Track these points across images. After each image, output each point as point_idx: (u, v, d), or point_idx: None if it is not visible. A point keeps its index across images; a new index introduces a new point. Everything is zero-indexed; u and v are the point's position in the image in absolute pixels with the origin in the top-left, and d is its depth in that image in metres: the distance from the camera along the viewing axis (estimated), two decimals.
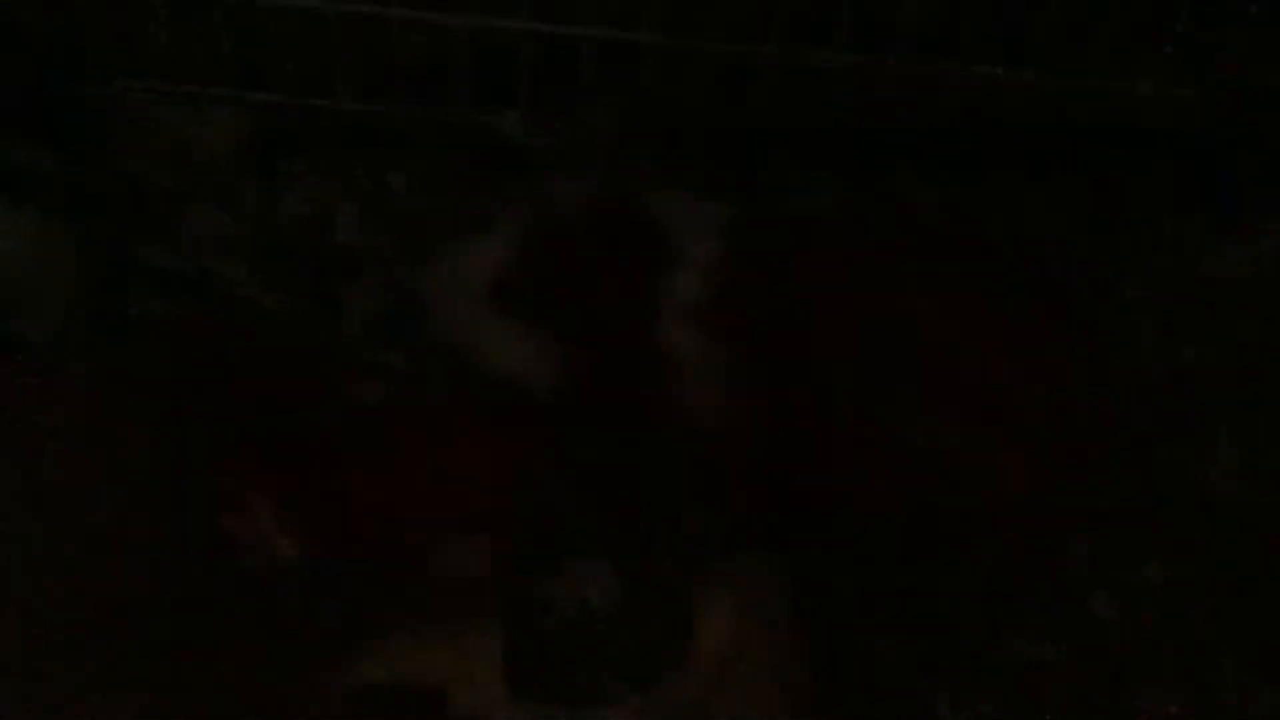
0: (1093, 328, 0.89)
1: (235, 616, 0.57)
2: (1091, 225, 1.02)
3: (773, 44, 1.00)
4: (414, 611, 0.80)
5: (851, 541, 0.85)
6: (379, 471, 0.60)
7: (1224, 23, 0.99)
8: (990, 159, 1.04)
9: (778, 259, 0.79)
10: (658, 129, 1.04)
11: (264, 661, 0.59)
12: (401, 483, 0.63)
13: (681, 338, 0.78)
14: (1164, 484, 0.91)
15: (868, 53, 1.01)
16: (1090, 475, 0.89)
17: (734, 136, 1.04)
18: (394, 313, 0.86)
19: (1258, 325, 0.97)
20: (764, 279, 0.78)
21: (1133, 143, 1.03)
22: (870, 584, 0.86)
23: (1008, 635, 0.86)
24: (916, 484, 0.81)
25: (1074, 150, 1.02)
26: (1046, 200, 1.02)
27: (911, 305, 0.77)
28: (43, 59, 1.04)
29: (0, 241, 0.91)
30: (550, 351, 0.80)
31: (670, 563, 0.85)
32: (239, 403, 0.55)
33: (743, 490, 0.85)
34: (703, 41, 1.00)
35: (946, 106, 1.03)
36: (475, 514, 0.68)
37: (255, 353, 0.59)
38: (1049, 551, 0.88)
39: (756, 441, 0.79)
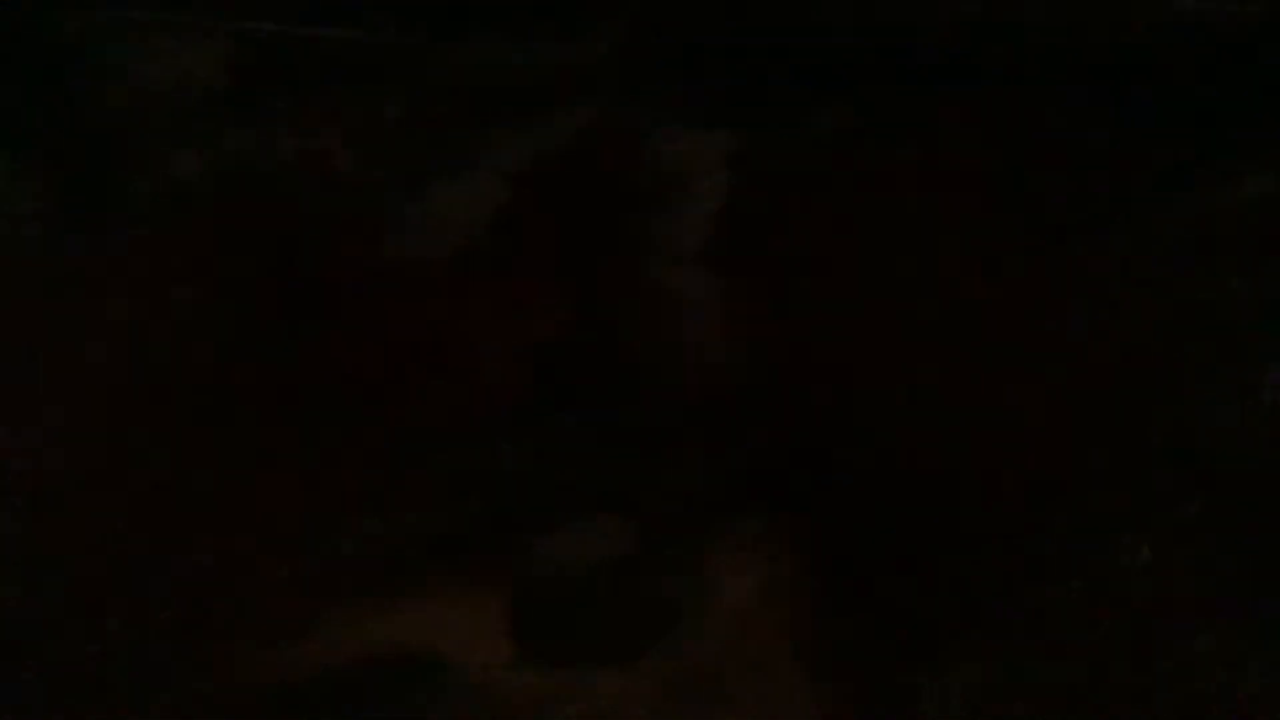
0: (1116, 259, 0.84)
1: None
2: (1128, 160, 0.97)
3: None
4: (416, 572, 0.77)
5: (870, 495, 0.82)
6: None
7: None
8: (1006, 79, 0.99)
9: (785, 192, 0.74)
10: (657, 54, 0.99)
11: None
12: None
13: (687, 280, 0.74)
14: (1191, 425, 0.87)
15: None
16: (1115, 418, 0.86)
17: (734, 59, 0.99)
18: None
19: None
20: (772, 215, 0.73)
21: (1162, 62, 0.97)
22: (888, 538, 0.83)
23: (1030, 585, 0.83)
24: (936, 432, 0.77)
25: (1096, 71, 0.97)
26: (1067, 122, 0.97)
27: (926, 241, 0.72)
28: None
29: None
30: (545, 296, 0.76)
31: (683, 518, 0.82)
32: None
33: (755, 442, 0.82)
34: None
35: (958, 24, 0.97)
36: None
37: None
38: (1072, 498, 0.85)
39: (769, 391, 0.75)
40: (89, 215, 0.95)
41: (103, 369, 0.64)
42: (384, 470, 0.78)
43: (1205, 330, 0.89)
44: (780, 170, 0.77)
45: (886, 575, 0.82)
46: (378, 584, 0.75)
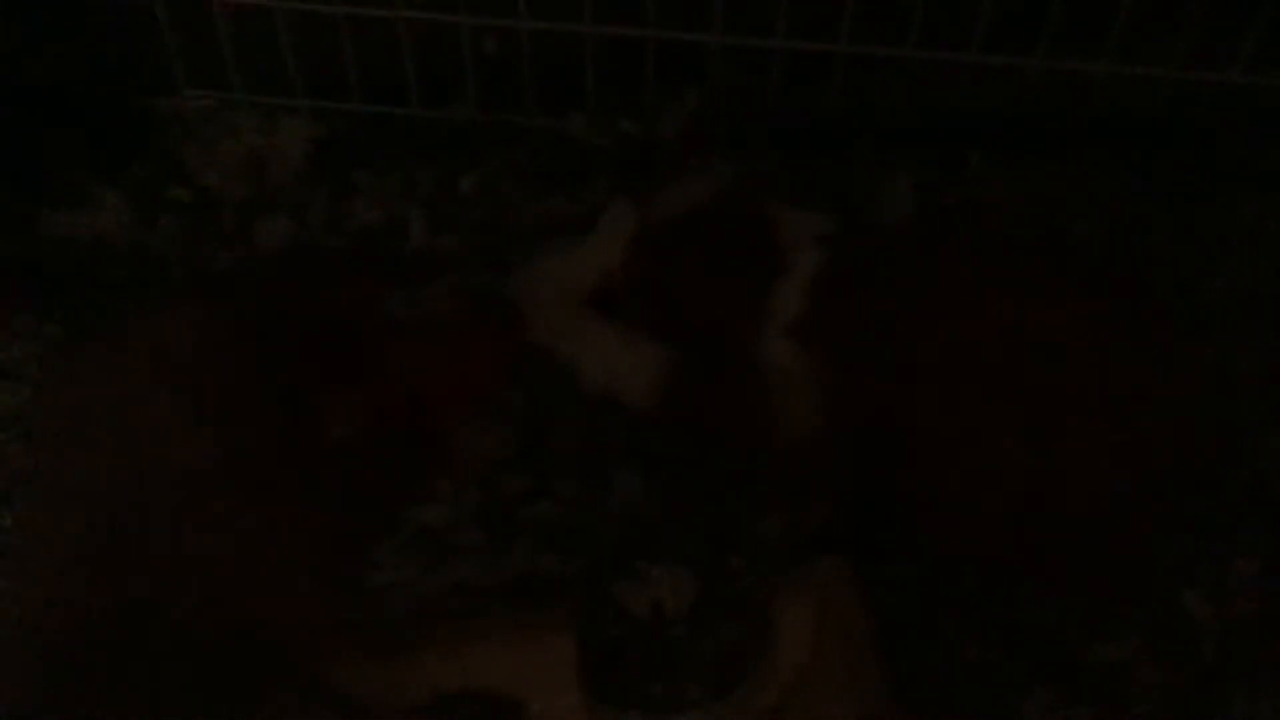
0: (1180, 320, 0.86)
1: None
2: (1176, 216, 0.99)
3: (843, 40, 0.99)
4: (486, 615, 0.79)
5: (933, 546, 0.84)
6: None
7: None
8: (1068, 150, 1.02)
9: (870, 270, 0.77)
10: (728, 130, 1.03)
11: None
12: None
13: (780, 348, 0.77)
14: (1258, 481, 0.88)
15: (940, 48, 0.99)
16: (1182, 473, 0.87)
17: (805, 135, 1.03)
18: None
19: None
20: (857, 290, 0.76)
21: (1216, 131, 1.00)
22: (952, 589, 0.84)
23: (1096, 638, 0.84)
24: (1003, 485, 0.79)
25: (1157, 139, 1.00)
26: (1129, 191, 1.00)
27: (999, 311, 0.75)
28: (109, 73, 1.05)
29: None
30: (649, 360, 0.78)
31: (748, 568, 0.84)
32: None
33: (824, 497, 0.84)
34: (769, 40, 0.99)
35: (1023, 98, 1.01)
36: None
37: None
38: (1139, 552, 0.86)
39: (841, 449, 0.77)
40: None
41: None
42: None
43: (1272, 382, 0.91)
44: (865, 249, 0.80)
45: (949, 628, 0.83)
46: (451, 627, 0.77)
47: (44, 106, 1.01)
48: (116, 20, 1.04)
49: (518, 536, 0.85)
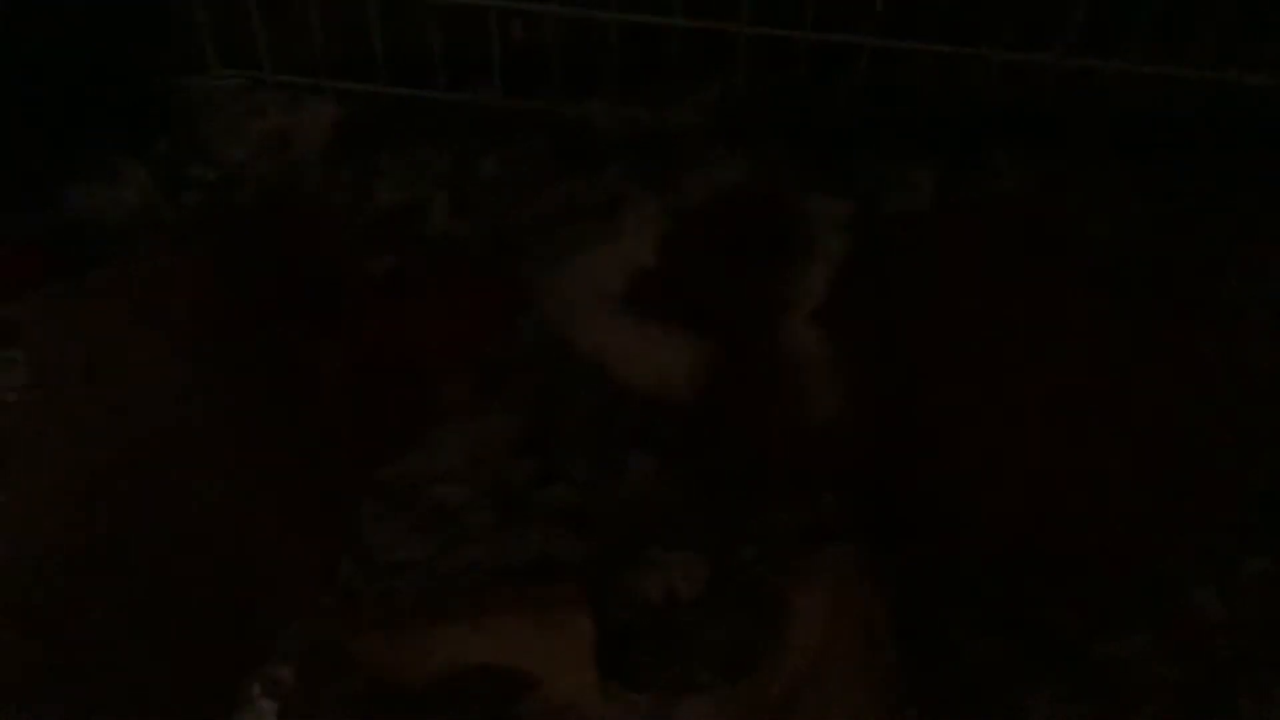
0: (1196, 318, 0.86)
1: None
2: (1195, 215, 0.99)
3: (866, 33, 0.99)
4: (502, 596, 0.80)
5: (947, 537, 0.84)
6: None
7: None
8: (1087, 148, 1.02)
9: (892, 257, 0.78)
10: (750, 120, 1.03)
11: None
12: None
13: (804, 336, 0.77)
14: (1271, 479, 0.88)
15: (962, 43, 0.99)
16: (1195, 474, 0.87)
17: (827, 127, 1.03)
18: None
19: None
20: (880, 278, 0.77)
21: (1240, 133, 1.00)
22: (965, 581, 0.84)
23: (1107, 634, 0.84)
24: (1017, 481, 0.79)
25: (1179, 139, 1.00)
26: (1148, 190, 1.00)
27: (1019, 305, 0.75)
28: (140, 51, 1.06)
29: None
30: (687, 355, 0.79)
31: (760, 555, 0.85)
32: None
33: (839, 485, 0.84)
34: (793, 31, 1.00)
35: (1045, 94, 1.01)
36: None
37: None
38: (1151, 550, 0.86)
39: (858, 438, 0.78)
40: None
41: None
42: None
43: None
44: (886, 233, 0.81)
45: (958, 619, 0.84)
46: (470, 604, 0.77)
47: (74, 83, 1.02)
48: None
49: (531, 519, 0.86)
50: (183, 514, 0.50)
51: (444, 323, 0.63)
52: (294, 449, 0.54)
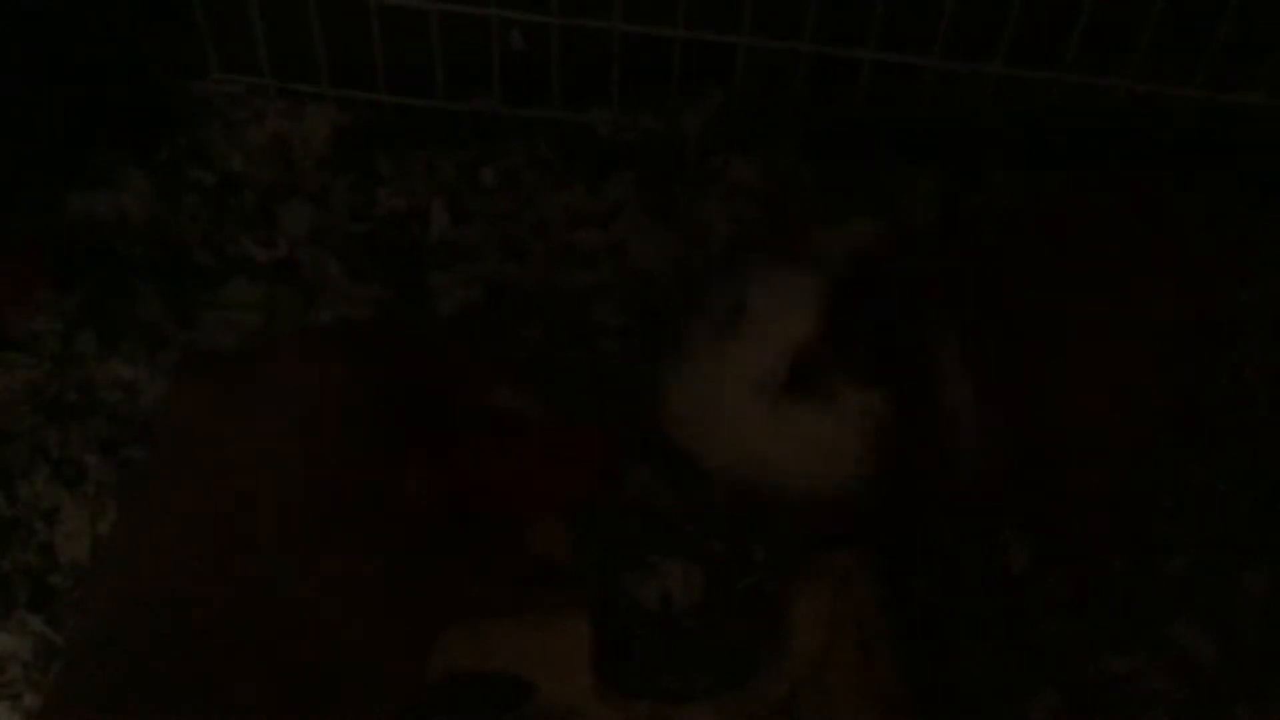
0: (1196, 332, 0.87)
1: None
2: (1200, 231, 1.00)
3: (868, 46, 1.00)
4: (502, 600, 0.79)
5: (946, 548, 0.84)
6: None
7: None
8: (1084, 163, 1.02)
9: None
10: (751, 130, 1.03)
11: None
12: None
13: (965, 386, 0.74)
14: (1269, 494, 0.89)
15: (964, 58, 1.00)
16: (1194, 485, 0.87)
17: (827, 139, 1.04)
18: None
19: None
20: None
21: (1239, 150, 1.01)
22: (964, 591, 0.84)
23: (1104, 647, 0.84)
24: (1013, 489, 0.79)
25: (1179, 157, 1.00)
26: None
27: (1039, 316, 0.75)
28: (141, 56, 1.06)
29: None
30: (857, 427, 0.73)
31: (762, 561, 0.84)
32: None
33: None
34: (797, 42, 1.00)
35: (1045, 111, 1.02)
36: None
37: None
38: (1147, 562, 0.86)
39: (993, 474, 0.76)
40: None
41: None
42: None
43: None
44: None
45: (958, 628, 0.84)
46: (468, 609, 0.77)
47: (76, 87, 1.02)
48: (150, 3, 1.05)
49: (531, 523, 0.85)
50: (272, 588, 0.52)
51: (545, 468, 0.64)
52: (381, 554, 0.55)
